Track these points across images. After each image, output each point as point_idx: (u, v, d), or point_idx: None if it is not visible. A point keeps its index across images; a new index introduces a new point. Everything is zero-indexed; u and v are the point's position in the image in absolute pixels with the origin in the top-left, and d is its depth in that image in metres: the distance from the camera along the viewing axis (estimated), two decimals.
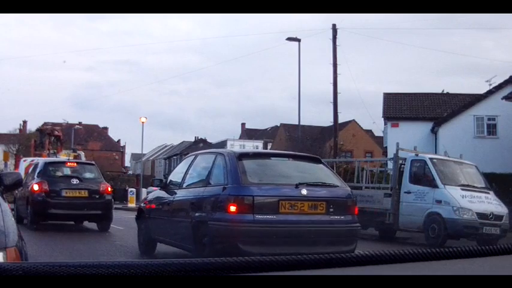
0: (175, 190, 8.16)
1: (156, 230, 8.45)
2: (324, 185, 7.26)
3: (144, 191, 28.97)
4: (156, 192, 9.13)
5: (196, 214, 7.14)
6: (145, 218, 8.90)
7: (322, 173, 7.54)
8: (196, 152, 9.14)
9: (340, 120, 28.48)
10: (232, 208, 6.54)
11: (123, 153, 70.81)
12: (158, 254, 8.75)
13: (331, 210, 6.90)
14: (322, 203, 6.88)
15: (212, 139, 69.40)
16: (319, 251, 6.75)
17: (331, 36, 25.42)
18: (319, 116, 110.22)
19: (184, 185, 8.05)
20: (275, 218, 6.59)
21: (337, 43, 25.32)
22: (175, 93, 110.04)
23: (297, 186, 6.80)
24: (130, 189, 31.32)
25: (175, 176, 8.70)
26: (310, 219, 6.79)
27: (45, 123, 42.58)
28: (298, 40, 26.21)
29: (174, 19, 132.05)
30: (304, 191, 6.77)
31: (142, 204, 9.77)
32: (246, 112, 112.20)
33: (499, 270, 1.34)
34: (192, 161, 8.27)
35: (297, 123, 27.83)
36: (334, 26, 25.45)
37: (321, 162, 7.84)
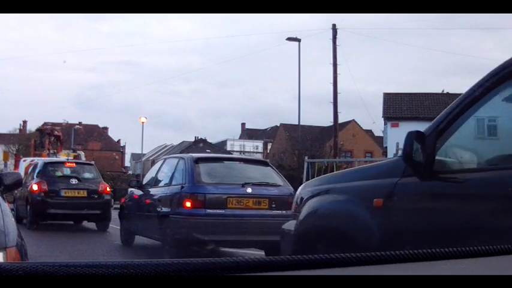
0: (148, 189, 9.41)
1: (132, 223, 9.75)
2: (267, 184, 8.35)
3: None
4: (134, 191, 10.28)
5: (161, 209, 8.28)
6: (125, 213, 10.29)
7: (267, 174, 8.63)
8: (165, 157, 10.61)
9: (340, 120, 28.50)
10: (188, 204, 7.67)
11: (123, 153, 70.73)
12: (135, 245, 9.94)
13: (273, 205, 7.96)
14: (265, 200, 7.96)
15: (213, 139, 69.36)
16: (261, 239, 7.68)
17: (331, 36, 25.45)
18: (319, 116, 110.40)
19: (154, 185, 9.29)
20: (224, 212, 7.73)
21: (337, 43, 25.41)
22: (176, 93, 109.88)
23: (243, 185, 7.93)
24: (129, 189, 31.33)
25: (149, 176, 9.97)
26: (254, 213, 7.87)
27: (45, 123, 42.42)
28: (298, 40, 26.25)
29: (175, 19, 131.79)
30: (249, 190, 7.90)
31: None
32: (247, 112, 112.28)
33: (499, 270, 1.34)
34: (162, 164, 9.58)
35: (297, 123, 27.85)
36: (334, 26, 25.48)
37: (268, 165, 9.05)
